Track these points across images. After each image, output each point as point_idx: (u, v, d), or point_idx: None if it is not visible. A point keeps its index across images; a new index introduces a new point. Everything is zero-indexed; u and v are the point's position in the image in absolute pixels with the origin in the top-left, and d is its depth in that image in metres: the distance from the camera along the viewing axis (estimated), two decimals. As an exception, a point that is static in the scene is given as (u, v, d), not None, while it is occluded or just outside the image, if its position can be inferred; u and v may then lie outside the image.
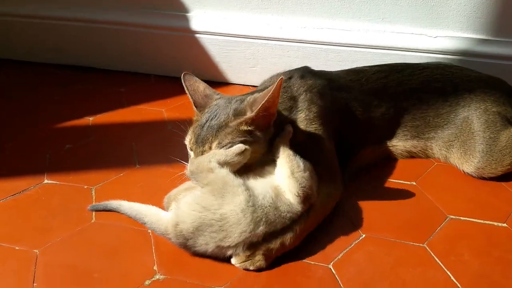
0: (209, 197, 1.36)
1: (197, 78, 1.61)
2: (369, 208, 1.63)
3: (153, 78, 2.50)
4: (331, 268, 1.40)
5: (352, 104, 1.76)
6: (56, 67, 2.63)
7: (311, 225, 1.49)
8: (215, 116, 1.47)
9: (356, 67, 1.91)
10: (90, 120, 2.11)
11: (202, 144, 1.46)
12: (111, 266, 1.38)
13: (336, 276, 1.37)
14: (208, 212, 1.34)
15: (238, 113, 1.47)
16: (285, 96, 1.64)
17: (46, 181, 1.72)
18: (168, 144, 1.93)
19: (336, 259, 1.43)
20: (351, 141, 1.77)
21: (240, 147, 1.43)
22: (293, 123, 1.60)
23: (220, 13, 2.30)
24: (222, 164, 1.40)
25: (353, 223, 1.57)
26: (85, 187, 1.70)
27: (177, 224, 1.36)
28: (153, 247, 1.44)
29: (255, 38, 2.28)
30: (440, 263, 1.41)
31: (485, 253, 1.45)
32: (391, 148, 1.85)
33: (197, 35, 2.34)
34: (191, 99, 1.57)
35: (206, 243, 1.35)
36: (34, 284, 1.32)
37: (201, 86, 1.60)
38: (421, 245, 1.48)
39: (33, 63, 2.67)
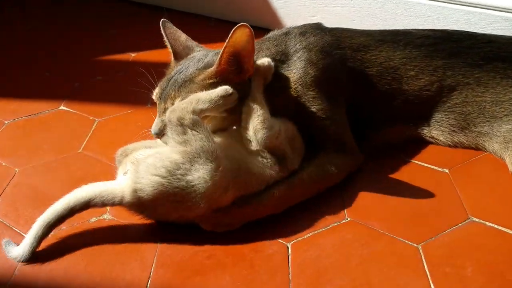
0: (177, 159, 1.17)
1: (177, 28, 1.45)
2: (373, 190, 1.35)
3: (213, 21, 2.38)
4: (289, 247, 1.19)
5: (373, 70, 1.44)
6: (128, 3, 2.60)
7: (297, 195, 1.29)
8: (185, 68, 1.31)
9: (402, 29, 1.57)
10: (132, 56, 2.08)
11: (164, 100, 1.29)
12: (69, 197, 1.35)
13: (290, 257, 1.16)
14: (172, 177, 1.15)
15: (207, 67, 1.29)
16: (274, 50, 1.40)
17: (62, 107, 1.74)
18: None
19: (300, 238, 1.21)
20: (372, 114, 1.47)
21: (225, 88, 1.22)
22: (280, 80, 1.37)
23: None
24: (205, 111, 1.22)
25: (343, 202, 1.31)
26: (91, 118, 1.68)
27: (135, 190, 1.16)
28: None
29: (318, -17, 2.02)
30: (427, 271, 1.11)
31: (497, 272, 1.11)
32: (429, 138, 1.50)
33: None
34: (170, 49, 1.42)
35: (167, 212, 1.20)
36: (-1, 200, 1.35)
37: (183, 36, 1.45)
38: (414, 245, 1.18)
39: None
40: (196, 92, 1.24)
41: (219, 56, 1.24)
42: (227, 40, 1.22)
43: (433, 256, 1.15)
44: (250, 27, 1.21)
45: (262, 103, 1.26)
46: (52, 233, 1.21)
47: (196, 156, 1.16)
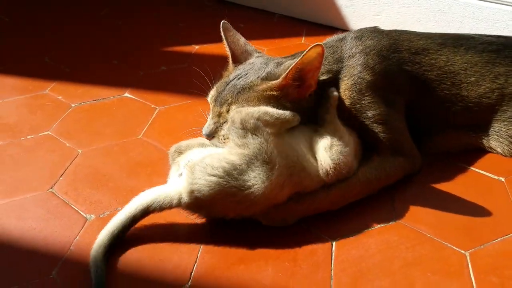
0: (235, 161, 1.17)
1: (236, 31, 1.44)
2: (424, 194, 1.32)
3: (277, 17, 2.39)
4: (333, 244, 1.19)
5: (432, 74, 1.40)
6: None
7: (353, 194, 1.29)
8: (245, 75, 1.31)
9: (464, 34, 1.51)
10: (195, 48, 2.14)
11: (220, 104, 1.30)
12: (126, 180, 1.42)
13: (333, 254, 1.16)
14: (229, 177, 1.15)
15: (269, 77, 1.28)
16: (331, 58, 1.38)
17: (126, 94, 1.82)
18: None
19: (345, 236, 1.21)
20: (429, 119, 1.44)
21: (294, 114, 1.25)
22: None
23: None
24: (268, 125, 1.21)
25: (393, 203, 1.29)
26: (152, 106, 1.75)
27: (192, 191, 1.17)
28: (172, 174, 1.42)
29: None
30: (473, 279, 1.08)
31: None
32: (487, 148, 1.45)
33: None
34: (229, 51, 1.43)
35: (223, 211, 1.22)
36: (60, 178, 1.43)
37: (242, 40, 1.44)
38: (462, 251, 1.15)
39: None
40: (254, 101, 1.25)
41: (287, 71, 1.24)
42: (300, 57, 1.22)
43: (480, 265, 1.12)
44: (324, 47, 1.20)
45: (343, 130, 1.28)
46: (108, 212, 1.29)
47: (253, 158, 1.16)
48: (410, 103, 1.40)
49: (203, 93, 1.78)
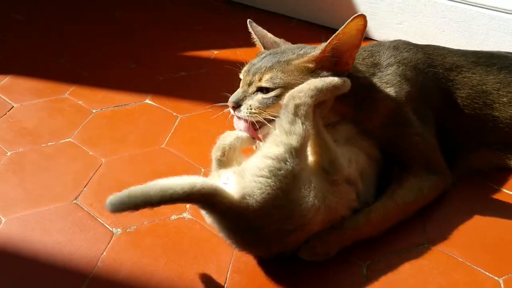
0: (279, 152, 1.09)
1: (262, 28, 1.45)
2: (455, 216, 1.31)
3: (295, 22, 2.37)
4: (364, 268, 1.18)
5: (464, 92, 1.38)
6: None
7: (393, 218, 1.26)
8: (282, 52, 1.29)
9: (495, 51, 1.49)
10: (214, 53, 2.11)
11: (253, 73, 1.27)
12: (152, 193, 1.40)
13: (365, 277, 1.15)
14: (277, 173, 1.07)
15: (305, 54, 1.26)
16: (368, 61, 1.36)
17: (147, 101, 1.80)
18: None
19: (377, 260, 1.19)
20: (459, 138, 1.42)
21: (343, 79, 1.20)
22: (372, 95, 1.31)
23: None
24: (314, 95, 1.14)
25: (424, 227, 1.28)
26: (174, 114, 1.73)
27: (244, 196, 1.07)
28: (198, 187, 1.40)
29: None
30: (507, 307, 1.07)
31: None
32: None
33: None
34: (259, 43, 1.42)
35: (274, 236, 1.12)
36: (84, 189, 1.42)
37: (269, 34, 1.44)
38: (495, 277, 1.14)
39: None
40: (288, 73, 1.23)
41: (328, 41, 1.20)
42: (342, 28, 1.18)
43: (515, 292, 1.11)
44: (366, 20, 1.16)
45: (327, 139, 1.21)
46: (134, 227, 1.28)
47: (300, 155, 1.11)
48: (441, 119, 1.38)
49: (224, 101, 1.77)
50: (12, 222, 1.31)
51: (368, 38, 2.18)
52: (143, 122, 1.70)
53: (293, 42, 2.16)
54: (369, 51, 1.39)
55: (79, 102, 1.79)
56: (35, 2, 2.58)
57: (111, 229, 1.29)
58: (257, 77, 1.25)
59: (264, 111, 1.22)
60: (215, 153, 1.25)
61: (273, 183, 1.07)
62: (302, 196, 1.09)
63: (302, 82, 1.19)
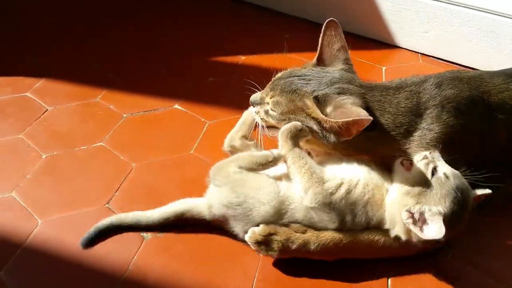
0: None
1: (341, 33, 1.36)
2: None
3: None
4: (389, 280, 1.20)
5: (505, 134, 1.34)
6: (243, 4, 2.67)
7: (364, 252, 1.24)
8: (307, 80, 1.29)
9: None
10: (242, 58, 2.15)
11: (271, 88, 1.33)
12: (181, 198, 1.42)
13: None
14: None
15: (320, 100, 1.25)
16: (408, 107, 1.28)
17: (176, 106, 1.85)
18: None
19: (401, 273, 1.22)
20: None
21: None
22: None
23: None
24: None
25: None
26: (202, 120, 1.77)
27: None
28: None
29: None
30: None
31: None
32: None
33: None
34: (318, 49, 1.38)
35: None
36: (116, 193, 1.47)
37: (337, 45, 1.37)
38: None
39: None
40: (292, 110, 1.28)
41: (329, 121, 1.21)
42: (343, 121, 1.19)
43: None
44: (366, 123, 1.16)
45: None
46: (163, 233, 1.33)
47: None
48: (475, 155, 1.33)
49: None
50: (47, 224, 1.37)
51: (391, 45, 2.20)
52: (172, 127, 1.75)
53: (314, 46, 2.19)
54: (409, 92, 1.32)
55: (110, 107, 1.85)
56: (69, 6, 2.65)
57: (141, 234, 1.34)
58: (270, 93, 1.33)
59: (268, 121, 1.34)
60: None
61: None
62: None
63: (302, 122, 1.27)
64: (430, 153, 1.19)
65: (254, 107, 1.37)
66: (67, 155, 1.62)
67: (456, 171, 1.16)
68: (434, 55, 2.12)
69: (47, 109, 1.83)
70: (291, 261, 1.25)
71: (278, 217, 1.22)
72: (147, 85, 1.98)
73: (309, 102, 1.26)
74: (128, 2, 2.69)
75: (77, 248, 1.30)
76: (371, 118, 1.15)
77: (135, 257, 1.27)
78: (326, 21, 1.35)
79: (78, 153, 1.63)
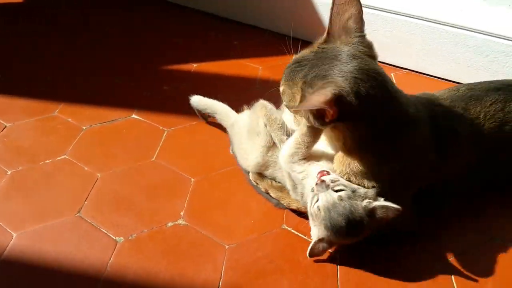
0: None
1: (350, 2, 1.24)
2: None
3: (268, 34, 2.51)
4: (338, 257, 1.38)
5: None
6: (193, 11, 2.77)
7: None
8: (303, 66, 1.23)
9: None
10: (194, 66, 2.26)
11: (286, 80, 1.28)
12: (147, 202, 1.56)
13: (338, 266, 1.36)
14: None
15: (311, 83, 1.20)
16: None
17: (133, 116, 1.95)
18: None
19: (349, 254, 1.40)
20: None
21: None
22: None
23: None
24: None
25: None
26: (161, 128, 1.88)
27: None
28: (188, 196, 1.58)
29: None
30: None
31: None
32: None
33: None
34: (329, 21, 1.26)
35: None
36: (85, 202, 1.56)
37: (347, 14, 1.24)
38: None
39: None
40: (292, 93, 1.26)
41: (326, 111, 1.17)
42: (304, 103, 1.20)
43: None
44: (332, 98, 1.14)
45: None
46: (135, 235, 1.44)
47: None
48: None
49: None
50: (22, 236, 1.45)
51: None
52: (132, 136, 1.85)
53: (262, 52, 2.32)
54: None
55: (69, 120, 1.92)
56: (15, 19, 2.67)
57: (114, 238, 1.44)
58: (281, 83, 1.31)
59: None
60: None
61: None
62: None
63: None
64: (321, 181, 1.30)
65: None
66: (32, 169, 1.69)
67: (333, 201, 1.26)
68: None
69: (5, 126, 1.89)
70: (255, 249, 1.40)
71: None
72: (102, 96, 2.06)
73: (297, 88, 1.24)
74: (76, 14, 2.75)
75: (55, 256, 1.39)
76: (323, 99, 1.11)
77: (111, 259, 1.38)
78: None
79: (44, 167, 1.70)
